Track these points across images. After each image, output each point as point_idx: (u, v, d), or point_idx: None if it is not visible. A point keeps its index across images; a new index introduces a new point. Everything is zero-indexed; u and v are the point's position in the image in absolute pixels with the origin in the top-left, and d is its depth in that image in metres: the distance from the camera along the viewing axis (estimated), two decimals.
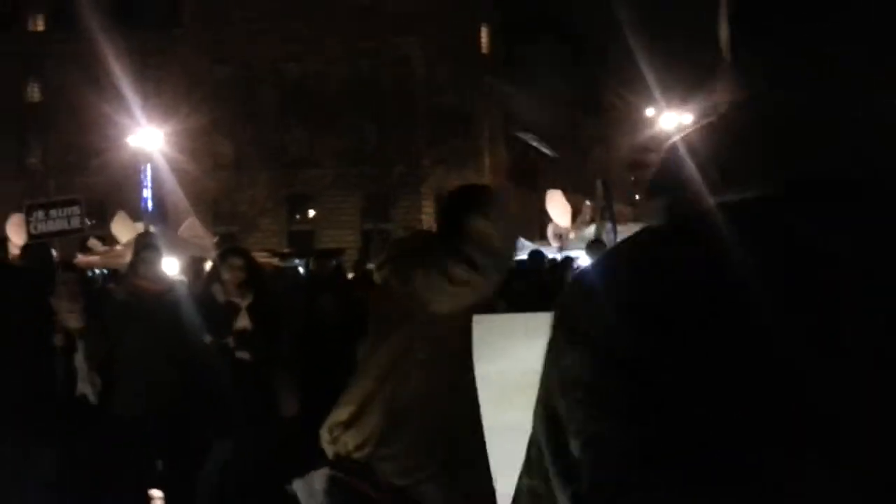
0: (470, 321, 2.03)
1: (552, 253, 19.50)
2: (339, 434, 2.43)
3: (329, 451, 2.48)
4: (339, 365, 5.57)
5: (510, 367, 1.93)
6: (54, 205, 6.25)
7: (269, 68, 36.05)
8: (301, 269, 23.89)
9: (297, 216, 37.89)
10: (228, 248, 6.21)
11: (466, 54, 39.81)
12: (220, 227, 30.51)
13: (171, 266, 15.02)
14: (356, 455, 2.39)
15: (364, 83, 34.17)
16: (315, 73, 35.42)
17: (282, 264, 21.75)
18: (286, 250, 29.47)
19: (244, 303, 5.13)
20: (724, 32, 0.70)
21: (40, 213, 5.98)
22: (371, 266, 18.48)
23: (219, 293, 5.20)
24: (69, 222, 6.04)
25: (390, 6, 36.21)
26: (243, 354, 4.98)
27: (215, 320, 5.06)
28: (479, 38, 42.15)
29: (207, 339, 5.05)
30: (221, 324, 5.03)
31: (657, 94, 33.48)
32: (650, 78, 35.03)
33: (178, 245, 15.56)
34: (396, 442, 2.36)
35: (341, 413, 2.45)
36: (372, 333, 2.58)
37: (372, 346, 2.53)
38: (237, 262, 5.24)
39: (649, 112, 38.74)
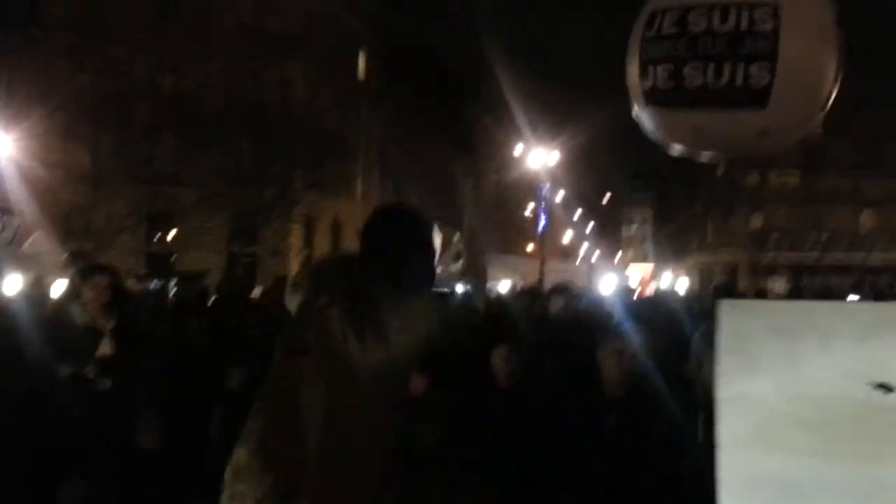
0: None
1: None
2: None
3: None
4: (209, 395, 5.28)
5: (778, 387, 1.45)
6: None
7: (142, 79, 34.55)
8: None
9: (158, 236, 36.24)
10: (92, 266, 5.73)
11: (346, 80, 39.71)
12: (73, 243, 28.64)
13: (13, 284, 13.99)
14: None
15: (243, 102, 33.31)
16: (192, 87, 34.23)
17: (137, 288, 20.69)
18: (143, 272, 28.07)
19: (108, 326, 4.74)
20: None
21: None
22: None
23: (78, 315, 4.77)
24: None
25: (273, 27, 35.64)
26: (104, 384, 4.58)
27: (72, 346, 4.63)
28: (356, 64, 42.18)
29: (62, 367, 4.59)
30: (80, 350, 4.61)
31: (525, 132, 34.50)
32: (519, 116, 36.16)
33: (21, 261, 14.45)
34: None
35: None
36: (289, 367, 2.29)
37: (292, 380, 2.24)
38: (103, 280, 4.83)
39: (517, 151, 39.79)
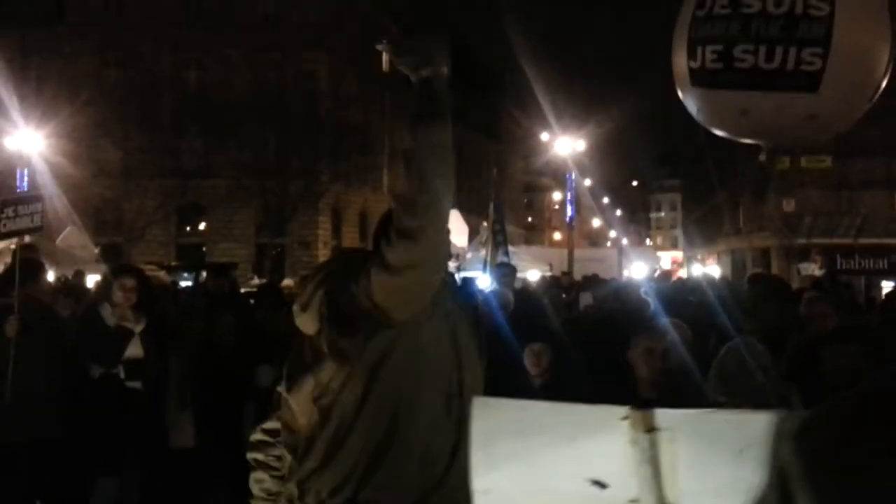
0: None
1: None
2: (312, 484, 2.11)
3: None
4: (240, 393, 5.25)
5: (518, 482, 1.54)
6: (21, 201, 5.59)
7: (167, 74, 34.82)
8: (188, 283, 23.11)
9: (188, 228, 36.56)
10: (120, 267, 5.71)
11: (370, 71, 39.67)
12: (104, 237, 29.02)
13: (48, 279, 14.16)
14: (331, 502, 2.08)
15: (267, 94, 33.43)
16: (216, 81, 34.41)
17: (167, 279, 20.86)
18: (174, 263, 28.36)
19: (137, 328, 4.72)
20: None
21: (9, 211, 5.32)
22: (262, 281, 17.81)
23: (108, 316, 4.76)
24: (33, 220, 5.42)
25: (295, 18, 35.69)
26: (135, 384, 4.56)
27: (104, 346, 4.62)
28: (380, 55, 42.05)
29: (95, 367, 4.59)
30: (111, 350, 4.60)
31: (552, 120, 34.22)
32: (545, 104, 35.91)
33: (55, 256, 14.63)
34: (384, 474, 2.07)
35: (308, 461, 2.13)
36: (298, 364, 2.20)
37: (314, 375, 2.15)
38: (130, 282, 4.79)
39: (544, 137, 39.57)
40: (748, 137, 8.29)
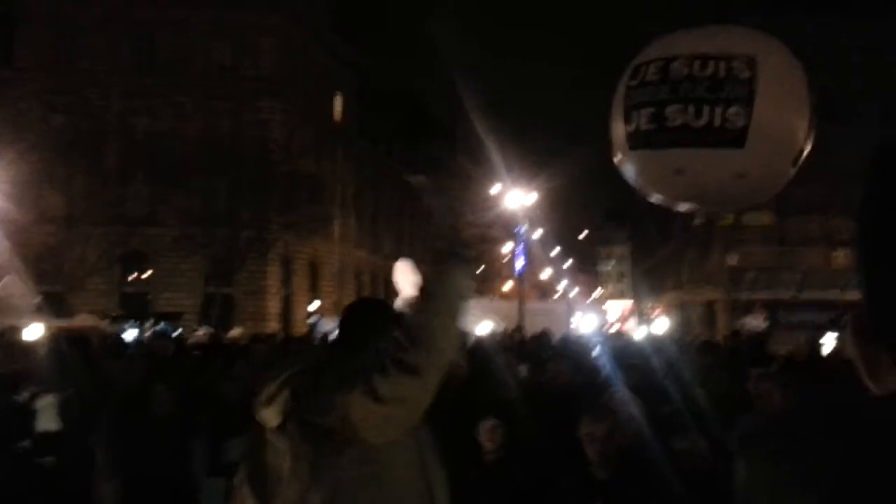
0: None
1: None
2: None
3: None
4: (174, 467, 4.98)
5: None
6: None
7: (115, 120, 34.39)
8: (134, 333, 22.52)
9: (132, 277, 35.76)
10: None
11: (322, 121, 39.80)
12: (45, 285, 28.18)
13: None
14: None
15: (219, 143, 33.21)
16: (166, 128, 34.12)
17: (110, 329, 20.30)
18: (116, 313, 27.63)
19: (56, 400, 4.35)
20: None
21: None
22: (208, 331, 17.29)
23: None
24: None
25: (249, 67, 35.73)
26: (48, 461, 4.22)
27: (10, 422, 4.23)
28: (333, 105, 42.33)
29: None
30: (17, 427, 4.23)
31: (502, 172, 34.61)
32: (496, 158, 36.36)
33: None
34: None
35: None
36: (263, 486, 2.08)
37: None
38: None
39: (494, 190, 39.92)
40: (683, 199, 8.68)
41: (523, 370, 5.29)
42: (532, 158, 43.17)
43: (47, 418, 4.24)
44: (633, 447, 3.30)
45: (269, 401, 2.10)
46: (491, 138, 39.10)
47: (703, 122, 7.04)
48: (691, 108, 7.08)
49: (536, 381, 4.94)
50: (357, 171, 42.37)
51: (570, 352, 7.72)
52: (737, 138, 6.98)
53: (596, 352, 10.12)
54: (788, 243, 44.58)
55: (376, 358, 1.99)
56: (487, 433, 3.96)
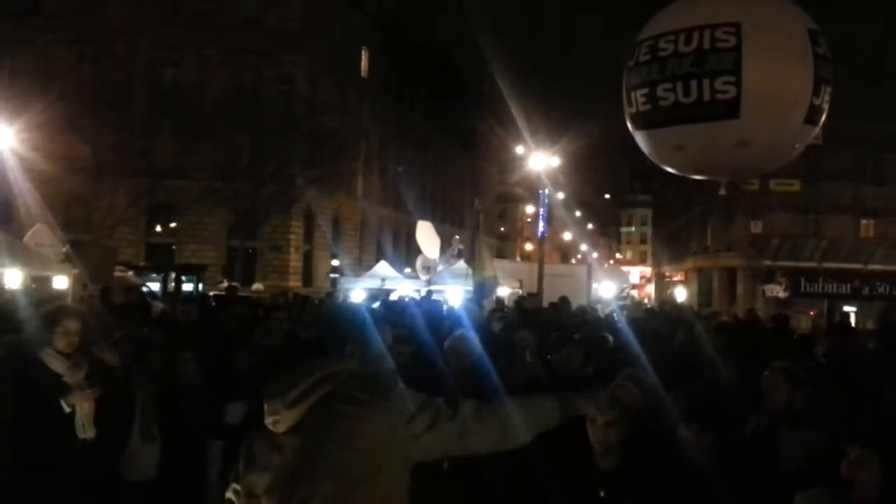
0: None
1: (420, 286, 19.54)
2: None
3: None
4: (205, 430, 5.11)
5: None
6: None
7: (142, 71, 34.45)
8: (157, 287, 22.82)
9: (158, 228, 36.18)
10: (58, 309, 4.49)
11: (347, 76, 39.58)
12: (72, 233, 28.60)
13: (13, 278, 13.88)
14: None
15: (243, 97, 33.20)
16: (192, 81, 34.14)
17: (138, 281, 20.59)
18: (142, 264, 28.01)
19: (78, 376, 4.13)
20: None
21: None
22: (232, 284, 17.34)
23: (50, 361, 4.06)
24: None
25: (274, 21, 35.54)
26: (88, 434, 4.05)
27: (43, 398, 3.95)
28: (359, 60, 42.06)
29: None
30: (51, 402, 3.92)
31: (526, 134, 34.37)
32: (520, 119, 36.10)
33: (21, 254, 14.30)
34: None
35: None
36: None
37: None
38: (72, 325, 4.17)
39: (519, 150, 39.71)
40: (691, 173, 8.62)
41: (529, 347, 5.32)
42: (557, 119, 42.85)
43: (75, 395, 4.20)
44: (639, 436, 3.29)
45: (293, 404, 2.19)
46: (516, 98, 38.85)
47: (692, 97, 7.02)
48: (679, 86, 7.08)
49: (547, 363, 5.01)
50: (382, 127, 42.21)
51: (588, 330, 7.79)
52: (730, 109, 6.92)
53: (613, 322, 10.11)
54: (815, 211, 44.02)
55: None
56: None
